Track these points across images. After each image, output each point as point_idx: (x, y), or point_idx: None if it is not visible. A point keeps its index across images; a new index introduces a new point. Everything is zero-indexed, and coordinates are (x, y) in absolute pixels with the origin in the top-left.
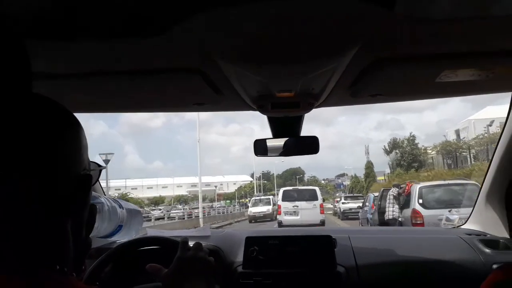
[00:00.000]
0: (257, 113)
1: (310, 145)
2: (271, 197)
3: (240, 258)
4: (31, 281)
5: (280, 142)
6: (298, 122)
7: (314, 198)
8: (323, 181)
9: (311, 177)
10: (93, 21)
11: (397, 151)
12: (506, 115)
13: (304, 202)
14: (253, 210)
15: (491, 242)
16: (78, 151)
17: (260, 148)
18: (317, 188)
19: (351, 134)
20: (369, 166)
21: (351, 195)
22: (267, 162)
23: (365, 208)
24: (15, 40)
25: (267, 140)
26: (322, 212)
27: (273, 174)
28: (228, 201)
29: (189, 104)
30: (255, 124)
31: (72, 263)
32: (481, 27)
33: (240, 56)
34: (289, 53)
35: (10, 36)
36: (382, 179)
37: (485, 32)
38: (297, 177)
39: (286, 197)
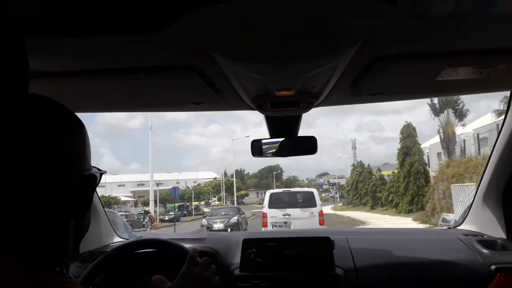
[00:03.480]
0: (237, 114)
1: (308, 145)
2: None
3: (237, 260)
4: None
5: (278, 142)
6: (296, 122)
7: (312, 204)
8: (302, 182)
9: (291, 176)
10: (88, 18)
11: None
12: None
13: (298, 209)
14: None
15: (488, 243)
16: (82, 152)
17: (257, 148)
18: (314, 191)
19: (330, 136)
20: (410, 132)
21: None
22: (245, 163)
23: None
24: (14, 38)
25: (264, 140)
26: (322, 222)
27: (248, 173)
28: (172, 205)
29: (187, 103)
30: (237, 125)
31: (68, 264)
32: (483, 24)
33: (239, 53)
34: (289, 50)
35: (9, 34)
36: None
37: (486, 29)
38: (274, 173)
39: (274, 202)
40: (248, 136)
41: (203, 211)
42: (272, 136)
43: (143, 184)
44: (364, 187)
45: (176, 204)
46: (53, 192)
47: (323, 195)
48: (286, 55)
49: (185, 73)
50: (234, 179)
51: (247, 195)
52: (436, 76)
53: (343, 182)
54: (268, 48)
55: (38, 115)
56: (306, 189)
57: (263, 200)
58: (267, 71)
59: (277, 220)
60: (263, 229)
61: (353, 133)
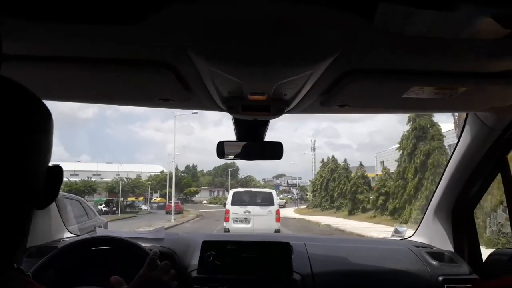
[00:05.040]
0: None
1: (274, 151)
2: None
3: (195, 262)
4: None
5: (244, 145)
6: (264, 126)
7: (270, 203)
8: (258, 182)
9: (247, 175)
10: (63, 2)
11: None
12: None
13: (258, 207)
14: None
15: (437, 255)
16: (49, 142)
17: (223, 150)
18: (273, 192)
19: (289, 140)
20: None
21: None
22: (201, 161)
23: None
24: None
25: (230, 143)
26: (278, 220)
27: (202, 170)
28: (98, 199)
29: (155, 99)
30: (195, 122)
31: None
32: (451, 48)
33: (217, 54)
34: (266, 56)
35: None
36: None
37: (454, 53)
38: (230, 169)
39: (237, 200)
40: (196, 112)
41: (140, 208)
42: (239, 139)
43: (77, 175)
44: (339, 187)
45: (103, 199)
46: (22, 184)
47: (280, 196)
48: (263, 60)
49: (158, 69)
50: (173, 168)
51: (197, 192)
52: (402, 93)
53: (302, 183)
54: (245, 51)
55: (5, 100)
56: (265, 189)
57: (215, 198)
58: (242, 74)
59: (238, 216)
60: (225, 223)
61: (310, 138)
